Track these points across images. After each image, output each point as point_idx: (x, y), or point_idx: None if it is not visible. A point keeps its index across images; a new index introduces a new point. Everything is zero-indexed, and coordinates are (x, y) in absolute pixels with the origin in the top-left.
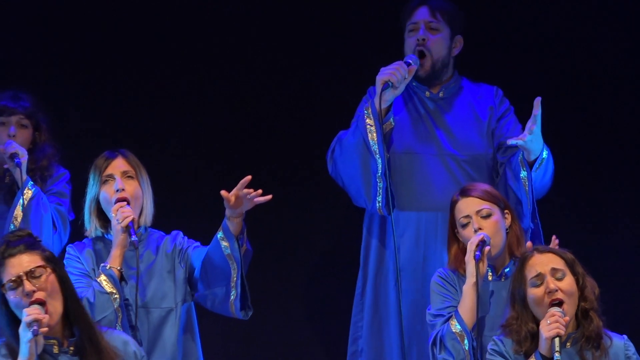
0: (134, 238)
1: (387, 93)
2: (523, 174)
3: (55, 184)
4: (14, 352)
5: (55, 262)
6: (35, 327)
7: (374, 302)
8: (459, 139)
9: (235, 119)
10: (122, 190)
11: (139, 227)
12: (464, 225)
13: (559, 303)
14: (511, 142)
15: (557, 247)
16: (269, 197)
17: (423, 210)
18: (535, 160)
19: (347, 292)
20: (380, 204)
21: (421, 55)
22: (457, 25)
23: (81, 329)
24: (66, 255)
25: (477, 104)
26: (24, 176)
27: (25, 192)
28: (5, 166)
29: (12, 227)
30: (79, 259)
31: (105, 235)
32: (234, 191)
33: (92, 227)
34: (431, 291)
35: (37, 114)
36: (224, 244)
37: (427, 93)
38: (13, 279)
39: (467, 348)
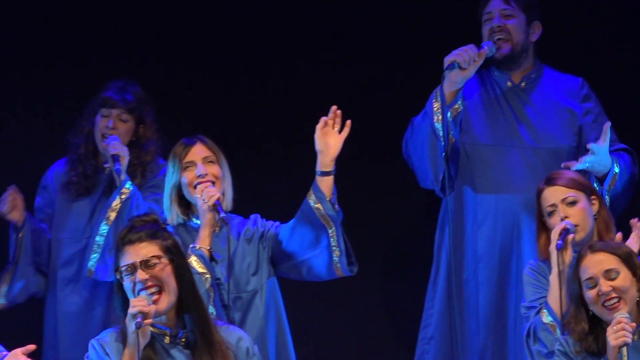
0: (222, 214)
1: (453, 73)
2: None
3: (156, 176)
4: (125, 335)
5: (174, 253)
6: (139, 319)
7: (446, 291)
8: (541, 131)
9: (314, 106)
10: (205, 175)
11: None
12: (550, 214)
13: (616, 301)
14: (575, 168)
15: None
16: (348, 124)
17: (501, 202)
18: (607, 175)
19: (423, 278)
20: (440, 186)
21: (498, 41)
22: (534, 11)
23: (195, 322)
24: None
25: (561, 95)
26: (123, 176)
27: (122, 191)
28: (106, 165)
29: (103, 224)
30: None
31: (187, 222)
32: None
33: (173, 214)
34: (524, 283)
35: (141, 108)
36: (317, 206)
37: (509, 83)
38: (128, 265)
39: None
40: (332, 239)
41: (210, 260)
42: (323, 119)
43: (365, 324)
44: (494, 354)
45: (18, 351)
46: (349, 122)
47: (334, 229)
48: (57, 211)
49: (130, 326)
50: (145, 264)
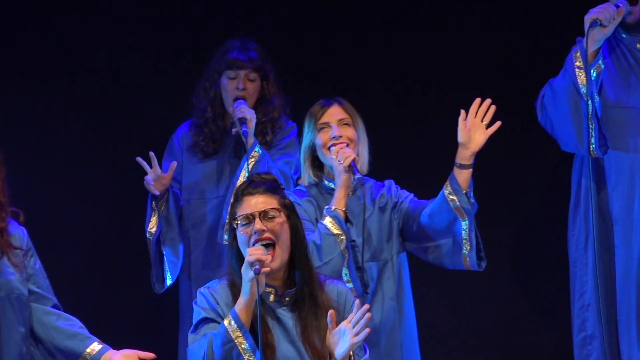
0: (358, 175)
1: (595, 31)
2: None
3: (285, 138)
4: (234, 287)
5: (291, 211)
6: (257, 267)
7: (598, 255)
8: None
9: (453, 75)
10: (339, 137)
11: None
12: None
13: None
14: None
15: None
16: (498, 123)
17: (637, 163)
18: None
19: (560, 245)
20: (593, 146)
21: (632, 1)
22: None
23: (304, 281)
24: None
25: None
26: (251, 139)
27: (252, 154)
28: (233, 129)
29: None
30: (300, 205)
31: (320, 183)
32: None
33: (306, 175)
34: None
35: (265, 64)
36: (452, 197)
37: (639, 45)
38: (246, 214)
39: None
40: (464, 232)
41: (345, 222)
42: (463, 111)
43: (501, 296)
44: (626, 318)
45: (134, 355)
46: (499, 122)
47: (467, 222)
48: (185, 173)
49: (247, 274)
50: (264, 215)
